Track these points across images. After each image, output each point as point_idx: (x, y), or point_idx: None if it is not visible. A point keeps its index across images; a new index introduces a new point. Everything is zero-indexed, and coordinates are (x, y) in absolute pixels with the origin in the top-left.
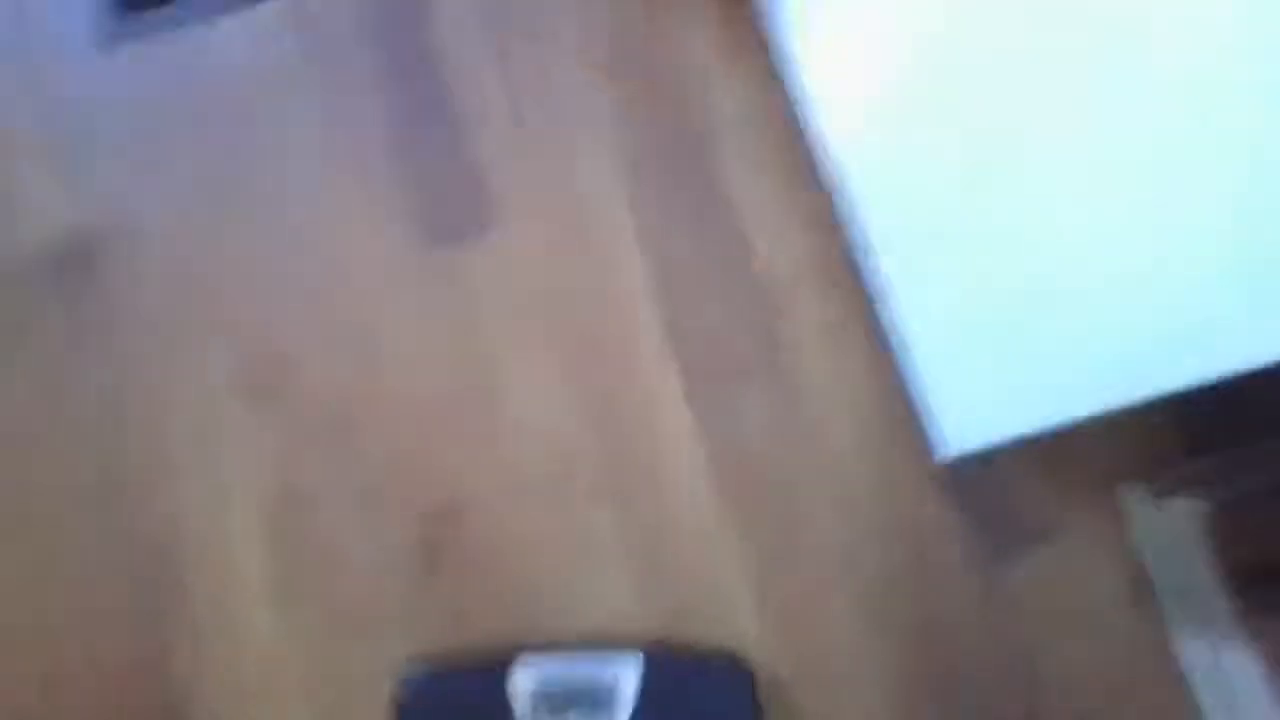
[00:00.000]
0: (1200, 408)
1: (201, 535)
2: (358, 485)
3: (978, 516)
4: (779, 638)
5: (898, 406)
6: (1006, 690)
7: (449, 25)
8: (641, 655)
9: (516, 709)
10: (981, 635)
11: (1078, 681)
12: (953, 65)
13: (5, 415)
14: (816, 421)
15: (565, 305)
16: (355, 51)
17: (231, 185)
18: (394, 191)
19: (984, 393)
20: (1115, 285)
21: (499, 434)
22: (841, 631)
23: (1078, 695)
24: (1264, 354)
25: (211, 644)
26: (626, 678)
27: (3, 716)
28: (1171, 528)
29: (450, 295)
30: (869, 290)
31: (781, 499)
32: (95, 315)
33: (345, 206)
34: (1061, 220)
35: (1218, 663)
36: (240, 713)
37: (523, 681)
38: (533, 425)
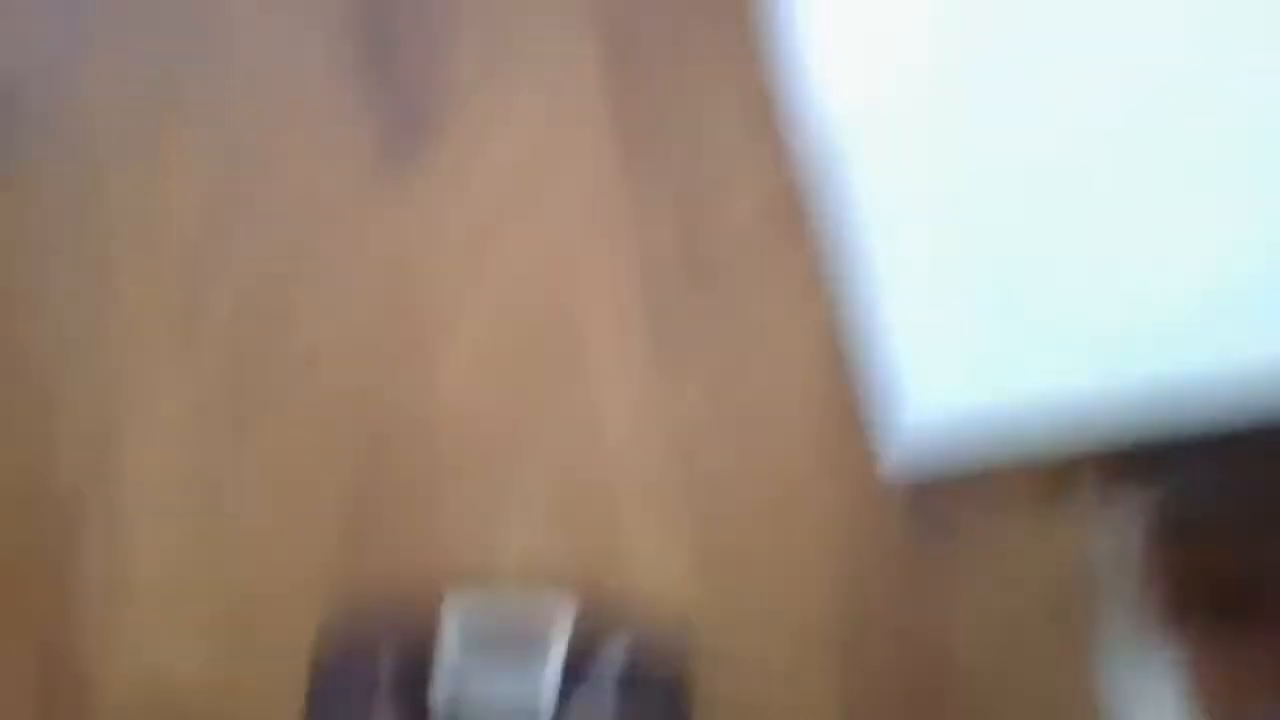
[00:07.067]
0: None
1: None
2: (283, 416)
3: (917, 498)
4: (707, 590)
5: (847, 389)
6: (918, 673)
7: None
8: (572, 608)
9: (443, 650)
10: (902, 609)
11: (988, 677)
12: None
13: None
14: (764, 392)
15: (513, 249)
16: None
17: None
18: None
19: (938, 418)
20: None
21: (434, 376)
22: (767, 585)
23: (986, 687)
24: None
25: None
26: (559, 627)
27: None
28: (1115, 533)
29: (391, 221)
30: (832, 255)
31: (719, 459)
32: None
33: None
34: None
35: (1138, 682)
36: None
37: (450, 621)
38: (467, 377)
